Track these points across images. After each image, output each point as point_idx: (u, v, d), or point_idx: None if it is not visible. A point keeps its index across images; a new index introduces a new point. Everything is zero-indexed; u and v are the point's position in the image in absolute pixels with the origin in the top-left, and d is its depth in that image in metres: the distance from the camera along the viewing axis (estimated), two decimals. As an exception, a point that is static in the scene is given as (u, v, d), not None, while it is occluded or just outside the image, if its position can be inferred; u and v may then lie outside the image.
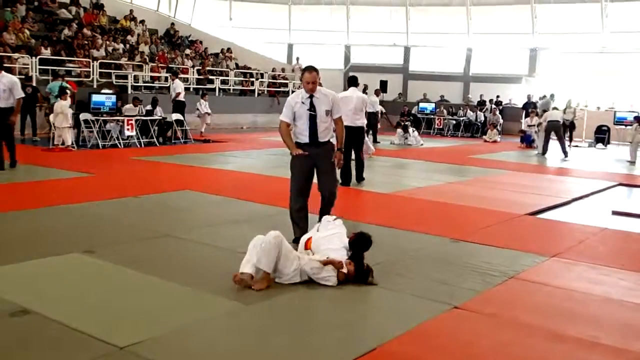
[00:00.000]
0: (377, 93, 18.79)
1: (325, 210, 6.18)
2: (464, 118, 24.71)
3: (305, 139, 6.05)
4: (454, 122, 24.94)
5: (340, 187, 9.88)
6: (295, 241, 5.78)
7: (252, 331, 3.97)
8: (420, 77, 30.14)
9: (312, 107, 5.98)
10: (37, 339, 3.67)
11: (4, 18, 19.16)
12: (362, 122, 10.25)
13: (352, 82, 10.67)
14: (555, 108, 18.89)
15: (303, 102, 6.01)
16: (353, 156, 10.31)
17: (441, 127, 24.74)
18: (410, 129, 19.21)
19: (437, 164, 13.99)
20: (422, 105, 25.84)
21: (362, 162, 10.48)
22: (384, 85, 24.70)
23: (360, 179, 10.41)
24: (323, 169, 6.13)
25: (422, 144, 18.77)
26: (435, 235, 6.67)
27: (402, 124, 20.01)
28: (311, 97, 5.99)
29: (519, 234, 7.07)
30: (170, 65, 22.35)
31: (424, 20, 30.63)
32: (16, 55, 17.62)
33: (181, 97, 17.28)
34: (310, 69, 5.98)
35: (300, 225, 6.10)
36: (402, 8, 30.81)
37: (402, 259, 5.74)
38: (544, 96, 23.67)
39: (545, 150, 17.13)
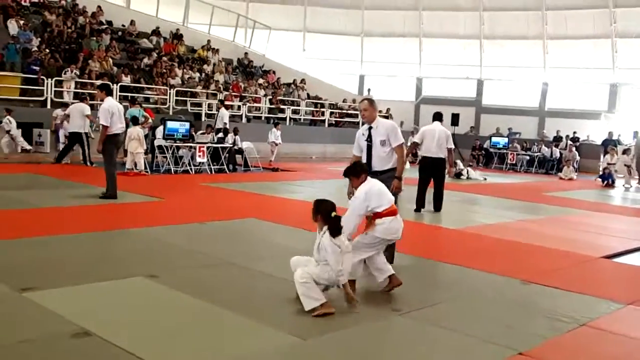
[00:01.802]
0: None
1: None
2: (538, 154, 24.01)
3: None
4: (528, 157, 24.27)
5: (407, 221, 9.79)
6: None
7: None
8: (493, 111, 29.65)
9: (369, 138, 6.39)
10: (95, 361, 3.72)
11: (90, 47, 20.20)
12: (444, 154, 10.76)
13: (436, 117, 11.17)
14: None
15: (363, 134, 6.49)
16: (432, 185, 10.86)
17: (514, 162, 24.13)
18: (460, 164, 18.85)
19: (509, 200, 13.57)
20: (494, 139, 25.30)
21: (441, 193, 10.88)
22: (455, 119, 24.39)
23: (437, 208, 10.79)
24: None
25: (484, 179, 18.35)
26: (504, 276, 6.41)
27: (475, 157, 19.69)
28: (370, 128, 6.40)
29: (594, 278, 6.71)
30: (242, 94, 22.89)
31: (499, 53, 30.23)
32: (98, 82, 18.46)
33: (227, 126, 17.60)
34: (364, 99, 6.56)
35: None
36: (476, 41, 30.52)
37: (467, 299, 5.53)
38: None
39: None
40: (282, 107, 23.81)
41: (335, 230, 4.84)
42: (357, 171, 5.51)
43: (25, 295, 4.81)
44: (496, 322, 4.90)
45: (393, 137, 6.36)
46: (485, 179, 18.66)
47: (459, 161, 19.12)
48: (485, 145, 25.57)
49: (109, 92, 10.45)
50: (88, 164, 14.64)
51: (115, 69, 19.89)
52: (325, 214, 4.90)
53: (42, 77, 17.13)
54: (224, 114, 18.01)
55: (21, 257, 6.01)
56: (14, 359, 3.72)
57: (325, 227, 4.88)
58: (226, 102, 21.72)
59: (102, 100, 10.24)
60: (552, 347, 4.44)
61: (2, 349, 3.82)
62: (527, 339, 4.53)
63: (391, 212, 5.39)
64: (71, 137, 14.80)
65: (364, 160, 6.40)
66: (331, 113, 25.48)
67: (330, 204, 4.94)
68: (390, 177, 6.26)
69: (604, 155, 21.67)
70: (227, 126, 17.56)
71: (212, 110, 20.94)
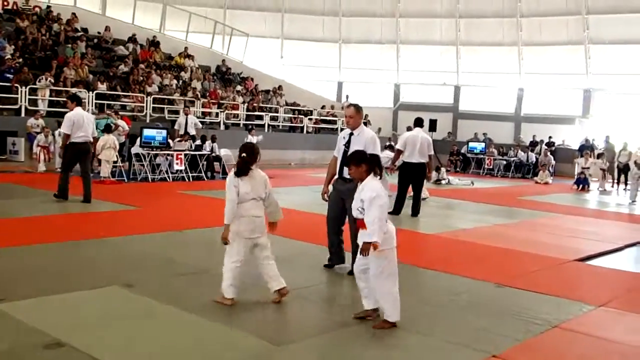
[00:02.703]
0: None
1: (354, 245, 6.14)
2: (515, 158, 24.28)
3: (338, 171, 6.44)
4: (505, 162, 24.53)
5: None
6: (327, 266, 6.48)
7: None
8: (471, 117, 29.89)
9: (347, 144, 6.36)
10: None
11: (65, 54, 20.02)
12: (425, 160, 10.96)
13: (417, 123, 11.40)
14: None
15: (344, 137, 6.47)
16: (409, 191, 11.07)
17: (491, 167, 24.37)
18: (443, 169, 19.10)
19: (485, 205, 13.71)
20: (471, 145, 25.52)
21: (419, 198, 11.09)
22: (433, 124, 24.55)
23: (415, 213, 10.95)
24: (348, 205, 6.06)
25: (469, 184, 18.58)
26: (478, 280, 6.49)
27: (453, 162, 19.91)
28: (351, 134, 6.38)
29: (566, 281, 6.81)
30: (221, 102, 22.85)
31: (475, 59, 30.54)
32: (74, 89, 18.30)
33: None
34: (351, 104, 6.53)
35: (331, 251, 6.59)
36: (453, 47, 30.82)
37: (442, 303, 5.59)
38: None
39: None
40: (260, 113, 23.81)
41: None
42: (358, 158, 4.94)
43: (-4, 306, 4.76)
44: (470, 325, 4.96)
45: (371, 149, 6.15)
46: (472, 183, 18.92)
47: (443, 169, 19.28)
48: (462, 151, 25.79)
49: (79, 103, 10.76)
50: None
51: (91, 76, 19.70)
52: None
53: (15, 84, 16.93)
54: (194, 120, 18.07)
55: (-6, 268, 5.94)
56: (-15, 371, 3.69)
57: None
58: (204, 109, 21.74)
59: (71, 110, 10.51)
60: (524, 349, 4.51)
61: (-28, 360, 3.78)
62: (500, 341, 4.60)
63: None
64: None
65: (339, 166, 6.40)
66: (310, 119, 25.53)
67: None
68: (355, 187, 6.16)
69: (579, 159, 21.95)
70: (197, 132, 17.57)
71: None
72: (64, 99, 17.12)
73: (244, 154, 5.14)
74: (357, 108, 6.46)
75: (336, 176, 6.47)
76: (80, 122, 10.26)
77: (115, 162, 14.17)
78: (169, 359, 3.98)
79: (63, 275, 5.84)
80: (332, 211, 6.54)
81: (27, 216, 8.97)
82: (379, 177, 4.82)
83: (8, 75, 17.21)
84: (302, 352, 4.25)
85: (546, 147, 24.50)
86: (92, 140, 10.72)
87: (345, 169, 6.22)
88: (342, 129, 6.36)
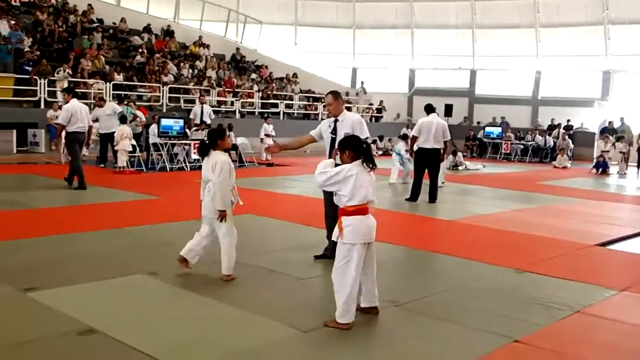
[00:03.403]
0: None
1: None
2: (532, 143, 24.10)
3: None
4: (522, 146, 24.36)
5: (403, 213, 9.89)
6: (318, 257, 6.36)
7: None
8: (487, 101, 29.66)
9: (334, 131, 6.27)
10: (102, 358, 3.82)
11: (82, 45, 20.15)
12: (440, 145, 10.93)
13: (430, 109, 11.28)
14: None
15: (330, 125, 6.37)
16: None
17: (508, 151, 24.21)
18: (460, 154, 19.06)
19: (503, 190, 13.65)
20: (488, 129, 25.36)
21: (436, 184, 11.06)
22: (449, 109, 24.44)
23: (432, 199, 10.93)
24: None
25: (480, 168, 18.58)
26: (499, 266, 6.49)
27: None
28: (336, 121, 6.30)
29: (588, 266, 6.80)
30: (236, 90, 22.89)
31: (491, 42, 30.23)
32: (91, 81, 18.47)
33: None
34: (328, 92, 6.40)
35: (328, 235, 6.33)
36: (468, 31, 30.54)
37: (462, 290, 5.61)
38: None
39: None
40: (275, 101, 23.82)
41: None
42: (342, 145, 4.66)
43: (29, 295, 4.87)
44: (491, 311, 4.97)
45: (359, 130, 6.09)
46: (484, 166, 18.91)
47: (460, 154, 19.23)
48: (479, 136, 25.64)
49: (75, 95, 11.48)
50: (101, 165, 14.73)
51: (107, 67, 19.84)
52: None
53: (34, 77, 17.10)
54: (209, 109, 18.16)
55: (23, 258, 6.07)
56: (21, 358, 3.78)
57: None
58: (219, 98, 21.80)
59: (67, 102, 11.21)
60: (547, 334, 4.52)
61: (9, 348, 3.89)
62: (523, 327, 4.61)
63: (360, 210, 4.48)
64: (103, 137, 14.84)
65: (328, 153, 6.26)
66: (324, 106, 25.48)
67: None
68: None
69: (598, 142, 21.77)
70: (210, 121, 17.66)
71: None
72: (82, 91, 17.33)
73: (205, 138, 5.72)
74: (335, 95, 6.34)
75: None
76: (77, 113, 10.87)
77: (131, 152, 14.27)
78: (199, 346, 4.04)
79: (89, 264, 5.94)
80: (328, 206, 6.17)
81: (52, 207, 9.11)
82: (369, 168, 4.48)
83: (27, 67, 17.38)
84: (331, 339, 4.28)
85: (564, 131, 24.30)
86: (87, 129, 11.28)
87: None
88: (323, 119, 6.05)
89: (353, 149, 4.53)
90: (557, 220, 9.77)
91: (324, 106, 6.61)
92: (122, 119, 14.49)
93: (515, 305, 5.16)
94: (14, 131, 16.06)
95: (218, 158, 5.48)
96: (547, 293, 5.50)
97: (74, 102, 11.10)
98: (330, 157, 6.11)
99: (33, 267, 5.76)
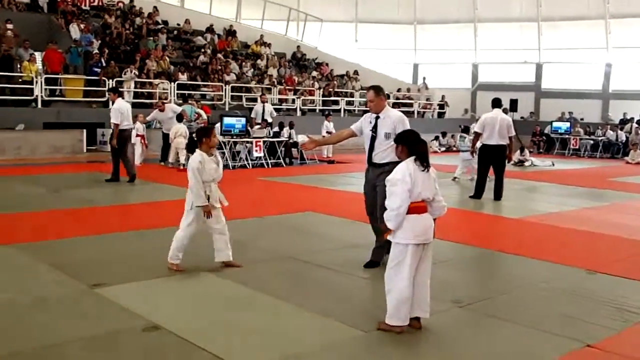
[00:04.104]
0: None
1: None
2: (603, 138, 23.18)
3: (367, 158, 6.11)
4: (592, 142, 23.47)
5: (466, 211, 9.67)
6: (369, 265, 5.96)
7: (369, 360, 3.88)
8: (554, 95, 28.73)
9: (374, 129, 5.97)
10: (166, 355, 3.87)
11: (147, 47, 20.69)
12: (505, 142, 10.58)
13: (496, 103, 10.95)
14: None
15: (370, 122, 6.06)
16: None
17: (577, 147, 23.38)
18: (526, 151, 18.47)
19: (573, 187, 13.17)
20: (555, 124, 24.54)
21: (501, 181, 10.73)
22: (514, 104, 23.80)
23: (497, 197, 10.64)
24: (379, 190, 5.80)
25: (549, 165, 17.95)
26: (569, 266, 6.23)
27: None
28: (377, 118, 5.98)
29: (665, 267, 6.44)
30: (297, 88, 23.00)
31: (558, 35, 29.25)
32: (157, 81, 18.94)
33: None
34: (370, 87, 6.08)
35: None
36: (534, 24, 29.65)
37: (530, 290, 5.41)
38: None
39: None
40: (336, 98, 23.81)
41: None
42: (398, 138, 4.55)
43: (96, 291, 5.00)
44: (561, 313, 4.77)
45: (401, 129, 5.64)
46: (553, 164, 18.28)
47: (526, 150, 18.72)
48: (546, 131, 24.86)
49: (120, 94, 12.09)
50: (161, 162, 15.18)
51: (172, 67, 20.31)
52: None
53: (103, 78, 17.67)
54: (270, 108, 18.29)
55: (90, 254, 6.26)
56: (89, 352, 3.87)
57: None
58: (280, 96, 21.96)
59: (113, 101, 11.82)
60: (622, 339, 4.30)
61: (79, 341, 3.99)
62: (595, 330, 4.41)
63: (415, 209, 4.24)
64: (166, 136, 15.23)
65: (367, 152, 6.05)
66: (390, 103, 25.30)
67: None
68: (387, 172, 4.74)
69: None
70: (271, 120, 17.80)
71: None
72: (147, 91, 17.79)
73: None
74: (377, 90, 5.99)
75: (367, 159, 6.11)
76: (125, 112, 11.44)
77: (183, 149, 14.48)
78: (261, 345, 4.03)
79: (154, 261, 6.04)
80: (369, 206, 6.19)
81: (117, 204, 9.37)
82: (423, 169, 4.24)
83: (96, 69, 17.98)
84: (391, 338, 4.20)
85: (637, 125, 23.24)
86: (132, 127, 12.14)
87: (375, 154, 5.96)
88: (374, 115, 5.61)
89: (408, 146, 4.35)
90: (630, 218, 9.34)
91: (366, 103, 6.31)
92: (179, 117, 14.78)
93: (587, 307, 4.94)
94: (84, 131, 16.64)
95: (193, 157, 5.74)
96: (621, 295, 5.25)
97: (120, 101, 11.68)
98: (369, 158, 6.06)
99: (98, 263, 5.92)
